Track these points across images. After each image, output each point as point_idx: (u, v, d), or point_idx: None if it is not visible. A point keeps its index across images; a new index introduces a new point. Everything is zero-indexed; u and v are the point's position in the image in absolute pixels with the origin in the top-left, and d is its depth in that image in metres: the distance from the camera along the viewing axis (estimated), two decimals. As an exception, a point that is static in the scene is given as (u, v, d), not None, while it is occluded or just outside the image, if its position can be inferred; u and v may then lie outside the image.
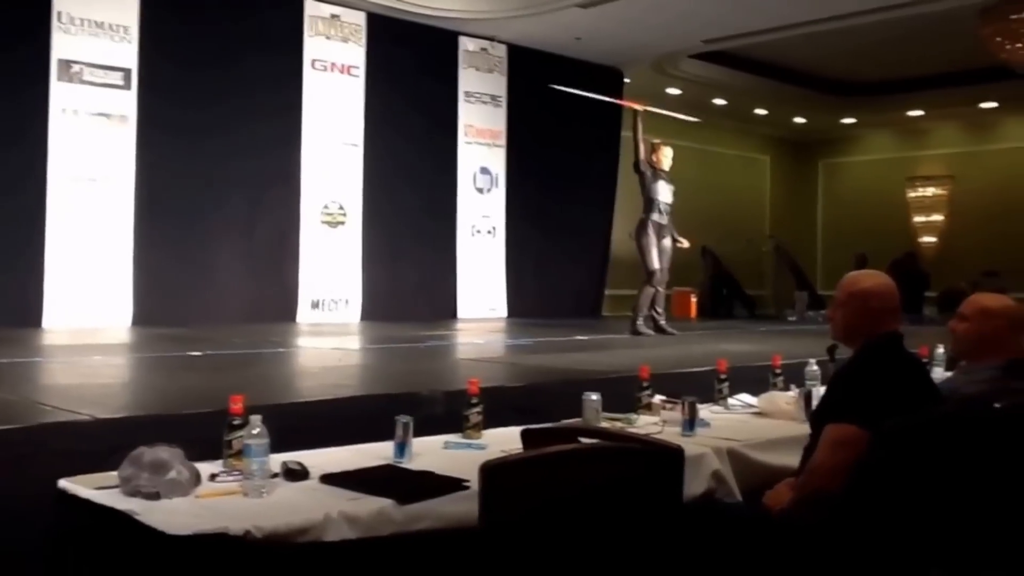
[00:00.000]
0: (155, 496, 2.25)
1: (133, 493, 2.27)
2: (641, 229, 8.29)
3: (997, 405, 2.70)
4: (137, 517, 2.14)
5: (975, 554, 2.56)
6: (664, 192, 8.29)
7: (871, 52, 12.77)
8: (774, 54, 13.08)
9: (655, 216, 8.25)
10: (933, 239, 16.89)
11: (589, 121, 11.82)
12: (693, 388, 3.74)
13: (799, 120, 16.92)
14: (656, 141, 8.44)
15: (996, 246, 14.74)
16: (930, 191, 16.98)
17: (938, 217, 16.91)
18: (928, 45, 12.16)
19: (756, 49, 12.61)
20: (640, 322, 8.23)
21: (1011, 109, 15.47)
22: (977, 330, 3.21)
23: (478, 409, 3.17)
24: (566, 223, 11.91)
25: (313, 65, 9.99)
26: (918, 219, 17.08)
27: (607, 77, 11.94)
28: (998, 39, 10.74)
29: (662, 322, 8.37)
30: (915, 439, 2.45)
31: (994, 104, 15.25)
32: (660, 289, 8.34)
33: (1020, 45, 10.57)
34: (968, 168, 16.50)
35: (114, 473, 2.36)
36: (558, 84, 9.65)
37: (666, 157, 8.39)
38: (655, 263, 8.20)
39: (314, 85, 9.98)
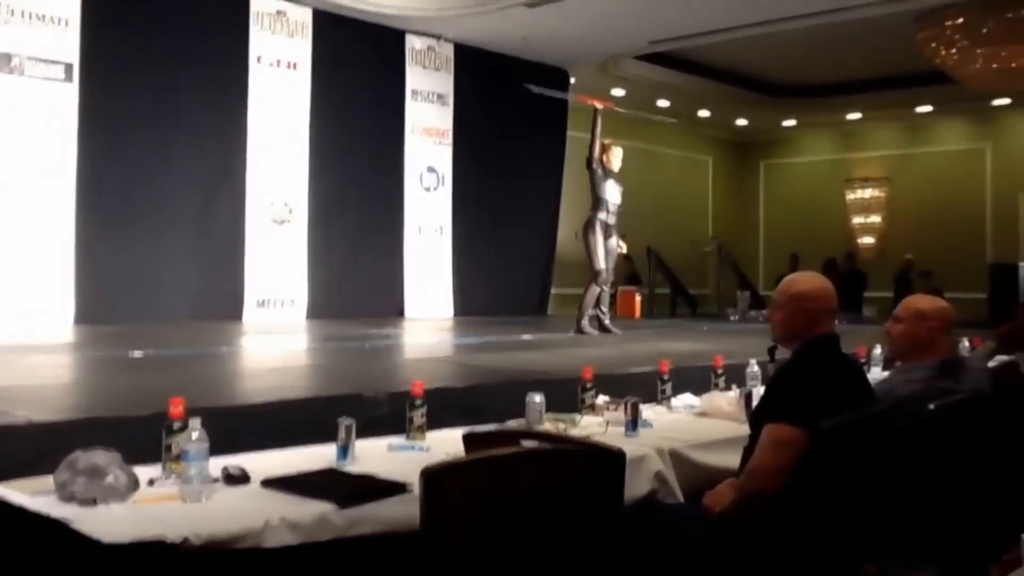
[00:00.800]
0: (91, 502, 2.21)
1: (68, 499, 2.23)
2: (588, 228, 8.32)
3: (931, 406, 2.77)
4: (72, 524, 2.10)
5: (907, 549, 2.63)
6: (613, 192, 8.35)
7: (811, 55, 13.03)
8: (717, 57, 13.26)
9: (602, 215, 8.29)
10: (872, 240, 17.22)
11: (536, 121, 11.85)
12: (637, 388, 3.77)
13: (741, 122, 17.17)
14: (607, 141, 8.48)
15: (931, 247, 15.11)
16: (868, 192, 17.30)
17: (876, 218, 17.22)
18: (866, 49, 12.43)
19: (700, 51, 12.77)
20: (585, 321, 8.29)
21: (946, 113, 15.88)
22: (912, 331, 3.30)
23: (422, 411, 3.15)
24: (513, 222, 11.93)
25: (258, 61, 9.86)
26: (857, 220, 17.37)
27: (553, 77, 11.97)
28: (933, 45, 11.03)
29: (606, 321, 8.45)
30: (851, 438, 2.51)
31: (929, 108, 15.65)
32: (605, 289, 8.42)
33: (954, 51, 10.87)
34: (904, 170, 16.86)
35: (49, 478, 2.31)
36: (506, 83, 9.63)
37: (616, 157, 8.43)
38: (601, 263, 8.26)
39: (260, 81, 9.86)
